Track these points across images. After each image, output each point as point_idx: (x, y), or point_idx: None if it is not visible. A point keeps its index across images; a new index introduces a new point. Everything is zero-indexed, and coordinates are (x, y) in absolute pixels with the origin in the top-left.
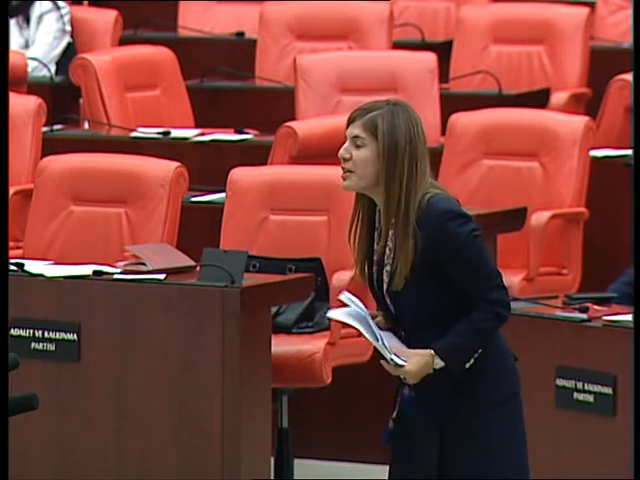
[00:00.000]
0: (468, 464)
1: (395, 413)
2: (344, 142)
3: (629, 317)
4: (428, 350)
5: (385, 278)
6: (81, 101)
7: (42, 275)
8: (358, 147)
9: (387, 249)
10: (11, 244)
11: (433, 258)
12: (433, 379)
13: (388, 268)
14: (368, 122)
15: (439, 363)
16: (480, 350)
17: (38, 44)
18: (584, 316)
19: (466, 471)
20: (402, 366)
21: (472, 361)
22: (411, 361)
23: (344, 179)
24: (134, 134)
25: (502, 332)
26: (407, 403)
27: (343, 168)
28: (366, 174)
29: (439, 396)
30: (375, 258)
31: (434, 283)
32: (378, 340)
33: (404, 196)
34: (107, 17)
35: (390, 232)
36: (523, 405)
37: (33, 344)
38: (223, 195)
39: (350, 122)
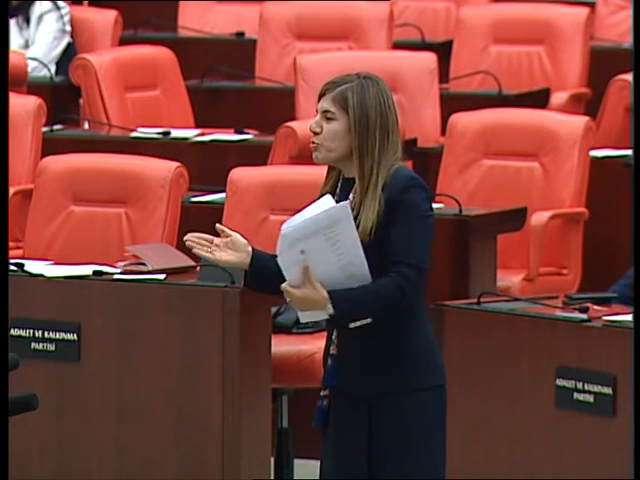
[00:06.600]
0: (393, 446)
1: (322, 390)
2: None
3: (629, 317)
4: (325, 292)
5: None
6: (81, 101)
7: (42, 275)
8: (329, 120)
9: None
10: (11, 244)
11: (387, 221)
12: (356, 351)
13: None
14: (338, 96)
15: (329, 308)
16: (370, 319)
17: (38, 44)
18: (584, 316)
19: (390, 453)
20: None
21: (359, 323)
22: (304, 289)
23: (313, 150)
24: (134, 134)
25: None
26: (329, 373)
27: (313, 142)
28: (336, 147)
29: (359, 368)
30: None
31: (379, 255)
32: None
33: (376, 167)
34: (107, 17)
35: (351, 196)
36: (446, 402)
37: (33, 344)
38: (223, 195)
39: (321, 96)
